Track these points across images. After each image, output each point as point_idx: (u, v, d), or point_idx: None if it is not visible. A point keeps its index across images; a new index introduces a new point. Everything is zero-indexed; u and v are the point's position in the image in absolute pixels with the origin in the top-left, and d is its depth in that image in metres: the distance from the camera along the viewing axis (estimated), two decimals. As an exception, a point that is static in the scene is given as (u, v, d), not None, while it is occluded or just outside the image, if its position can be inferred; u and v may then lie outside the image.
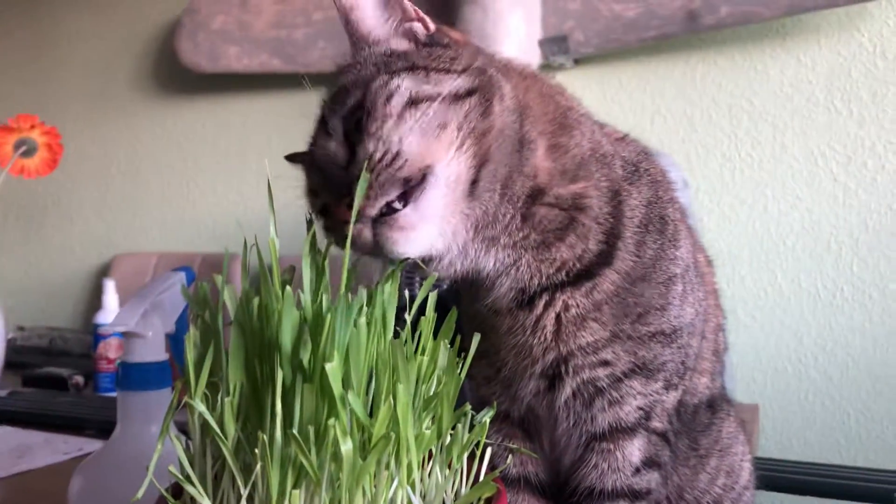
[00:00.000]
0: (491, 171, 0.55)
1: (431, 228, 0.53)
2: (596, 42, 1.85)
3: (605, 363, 0.60)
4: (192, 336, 0.46)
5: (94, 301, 2.38)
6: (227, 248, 0.55)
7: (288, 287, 0.44)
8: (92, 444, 1.11)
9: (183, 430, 0.50)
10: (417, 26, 0.61)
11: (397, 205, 0.51)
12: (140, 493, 0.42)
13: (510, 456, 0.64)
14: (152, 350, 0.70)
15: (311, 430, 0.41)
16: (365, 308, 0.45)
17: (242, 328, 0.45)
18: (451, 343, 0.51)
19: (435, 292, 0.53)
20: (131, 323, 0.69)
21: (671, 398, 0.63)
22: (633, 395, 0.61)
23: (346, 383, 0.43)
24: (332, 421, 0.41)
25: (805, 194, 1.73)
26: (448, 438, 0.49)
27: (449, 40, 0.60)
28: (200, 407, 0.43)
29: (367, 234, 0.52)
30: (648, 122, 1.83)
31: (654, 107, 1.83)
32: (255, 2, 2.25)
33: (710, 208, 1.79)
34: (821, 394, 1.70)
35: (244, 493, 0.42)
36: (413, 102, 0.53)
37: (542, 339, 0.59)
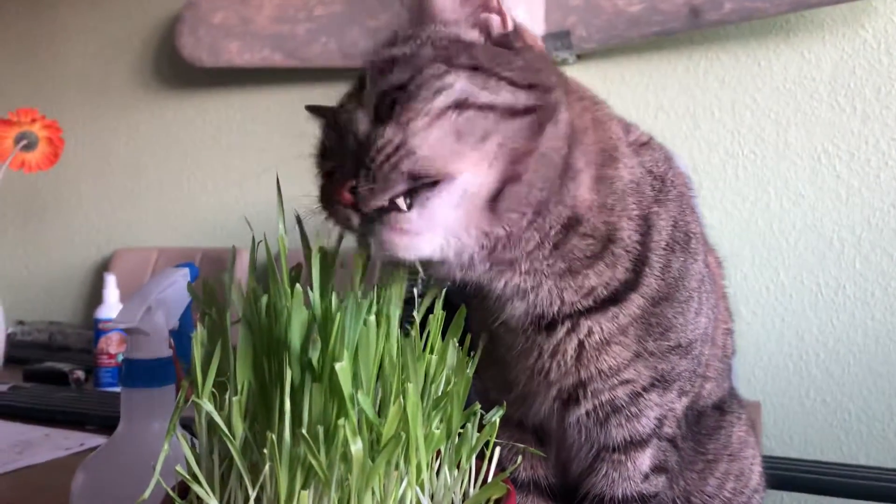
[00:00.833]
0: (520, 193, 0.50)
1: (436, 238, 0.49)
2: (598, 37, 1.84)
3: (626, 382, 0.58)
4: (199, 334, 0.45)
5: (95, 296, 2.38)
6: (234, 246, 0.54)
7: (297, 285, 0.43)
8: (93, 440, 1.11)
9: (186, 426, 0.49)
10: (495, 19, 0.55)
11: (401, 203, 0.47)
12: (147, 493, 0.42)
13: (520, 458, 0.63)
14: (156, 347, 0.69)
15: (321, 429, 0.41)
16: (374, 306, 0.45)
17: (250, 326, 0.45)
18: (461, 342, 0.51)
19: (443, 290, 0.53)
20: (135, 320, 0.69)
21: (682, 404, 0.63)
22: (650, 407, 0.60)
23: (355, 382, 0.42)
24: (341, 421, 0.40)
25: (808, 191, 1.72)
26: (457, 438, 0.49)
27: (523, 45, 0.55)
28: (208, 406, 0.43)
29: (355, 221, 0.49)
30: (651, 117, 1.82)
31: (656, 102, 1.82)
32: (256, -4, 2.24)
33: (712, 205, 1.79)
34: (822, 391, 1.70)
35: (252, 493, 0.42)
36: (460, 106, 0.48)
37: (562, 364, 0.57)
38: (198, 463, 0.44)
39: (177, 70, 2.45)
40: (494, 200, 0.50)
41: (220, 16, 2.27)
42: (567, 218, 0.54)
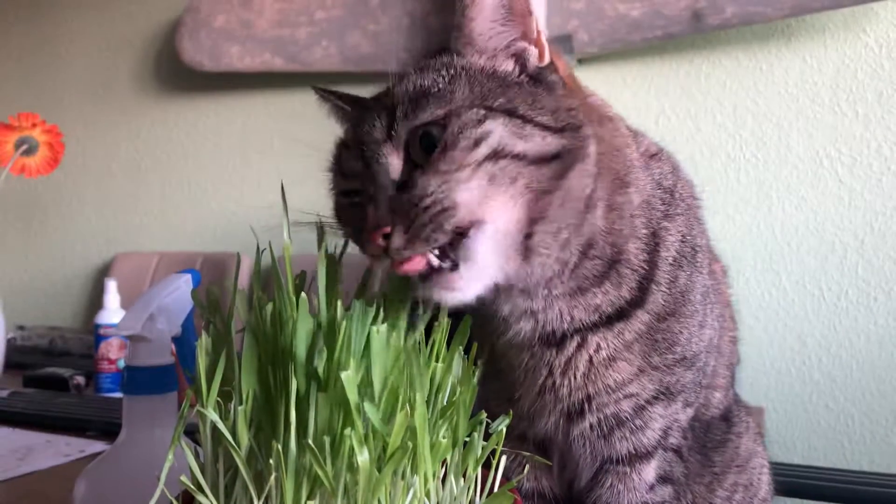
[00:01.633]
0: (548, 229, 0.51)
1: (480, 286, 0.50)
2: (600, 42, 1.84)
3: (631, 395, 0.58)
4: (203, 343, 0.45)
5: (95, 301, 2.37)
6: (238, 254, 0.54)
7: (303, 293, 0.43)
8: (94, 446, 1.11)
9: (189, 434, 0.49)
10: (532, 51, 0.54)
11: (443, 262, 0.48)
12: (152, 503, 0.41)
13: (525, 468, 0.63)
14: (158, 353, 0.69)
15: (327, 439, 0.40)
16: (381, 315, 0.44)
17: (255, 335, 0.44)
18: (466, 351, 0.50)
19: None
20: (137, 326, 0.68)
21: (687, 415, 0.63)
22: (655, 419, 0.60)
23: (361, 392, 0.42)
24: (347, 430, 0.40)
25: (810, 195, 1.72)
26: (463, 447, 0.48)
27: (557, 79, 0.55)
28: (213, 415, 0.42)
29: (386, 264, 0.48)
30: (653, 122, 1.82)
31: (658, 107, 1.82)
32: (256, 1, 2.24)
33: (714, 209, 1.78)
34: (825, 396, 1.70)
35: (257, 503, 0.42)
36: (496, 155, 0.48)
37: (573, 380, 0.57)
38: (202, 472, 0.44)
39: (177, 74, 2.45)
40: (526, 237, 0.51)
41: (220, 20, 2.27)
42: (582, 246, 0.55)
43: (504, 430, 0.50)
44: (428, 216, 0.47)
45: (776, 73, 1.75)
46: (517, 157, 0.49)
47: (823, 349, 1.70)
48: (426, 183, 0.48)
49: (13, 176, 1.80)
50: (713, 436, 0.69)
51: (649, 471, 0.61)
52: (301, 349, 0.42)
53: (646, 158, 0.61)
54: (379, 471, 0.40)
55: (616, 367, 0.57)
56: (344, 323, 0.42)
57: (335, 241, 0.48)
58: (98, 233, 2.58)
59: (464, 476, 0.48)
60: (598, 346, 0.56)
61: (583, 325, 0.56)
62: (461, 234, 0.48)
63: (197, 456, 0.45)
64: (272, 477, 0.40)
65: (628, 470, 0.61)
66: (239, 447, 0.42)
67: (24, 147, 1.74)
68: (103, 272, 2.44)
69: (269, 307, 0.44)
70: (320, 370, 0.41)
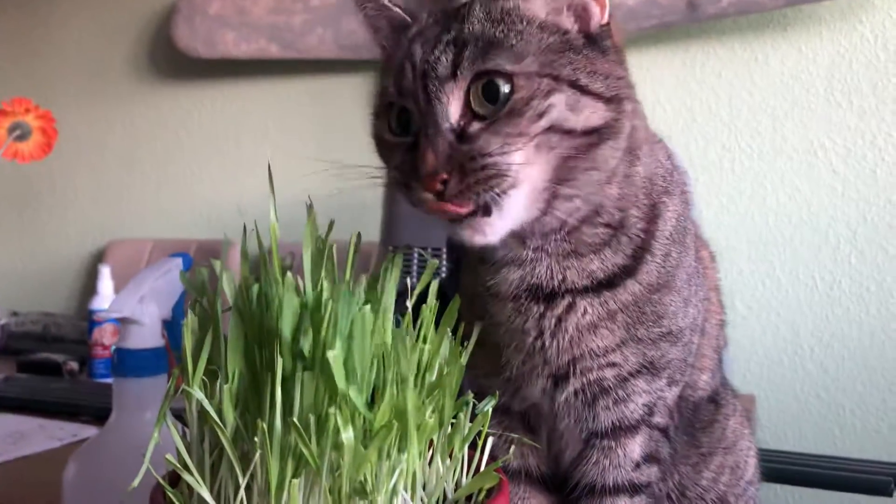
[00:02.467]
0: (567, 193, 0.53)
1: (503, 232, 0.53)
2: (596, 31, 1.83)
3: (613, 364, 0.59)
4: (189, 322, 0.45)
5: (89, 287, 2.37)
6: (226, 235, 0.54)
7: (288, 273, 0.43)
8: (87, 431, 1.11)
9: (178, 416, 0.49)
10: (595, 10, 0.54)
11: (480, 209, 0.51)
12: (136, 482, 0.42)
13: (511, 447, 0.63)
14: (148, 336, 0.69)
15: (312, 418, 0.40)
16: (365, 295, 0.44)
17: (241, 315, 0.44)
18: (454, 332, 0.50)
19: (436, 280, 0.52)
20: (127, 309, 0.68)
21: (672, 394, 0.63)
22: (638, 392, 0.60)
23: (347, 371, 0.42)
24: (332, 409, 0.40)
25: (804, 186, 1.72)
26: (450, 428, 0.48)
27: (610, 44, 0.55)
28: (199, 394, 0.43)
29: (429, 205, 0.51)
30: (648, 111, 1.80)
31: (653, 96, 1.82)
32: (252, -13, 2.23)
33: (708, 199, 1.79)
34: (816, 385, 1.71)
35: (242, 482, 0.42)
36: (551, 129, 0.51)
37: (562, 341, 0.58)
38: (188, 452, 0.44)
39: (172, 61, 2.44)
40: (550, 194, 0.53)
41: (216, 6, 2.26)
42: (589, 212, 0.56)
43: (490, 411, 0.50)
44: (485, 175, 0.49)
45: (772, 63, 1.75)
46: (567, 132, 0.51)
47: (816, 339, 1.71)
48: (488, 143, 0.50)
49: (6, 161, 1.79)
50: (701, 416, 0.69)
51: (634, 447, 0.62)
52: (287, 328, 0.42)
53: (652, 142, 0.62)
54: (365, 448, 0.40)
55: (598, 334, 0.58)
56: (330, 302, 0.42)
57: (323, 221, 0.48)
58: (92, 219, 2.58)
59: (450, 456, 0.48)
60: (585, 310, 0.57)
61: (574, 287, 0.57)
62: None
63: (184, 436, 0.45)
64: (257, 455, 0.41)
65: (613, 444, 0.61)
66: (224, 426, 0.42)
67: (17, 132, 1.74)
68: (97, 258, 2.44)
69: (256, 287, 0.44)
70: (306, 350, 0.42)
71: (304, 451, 0.40)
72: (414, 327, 0.49)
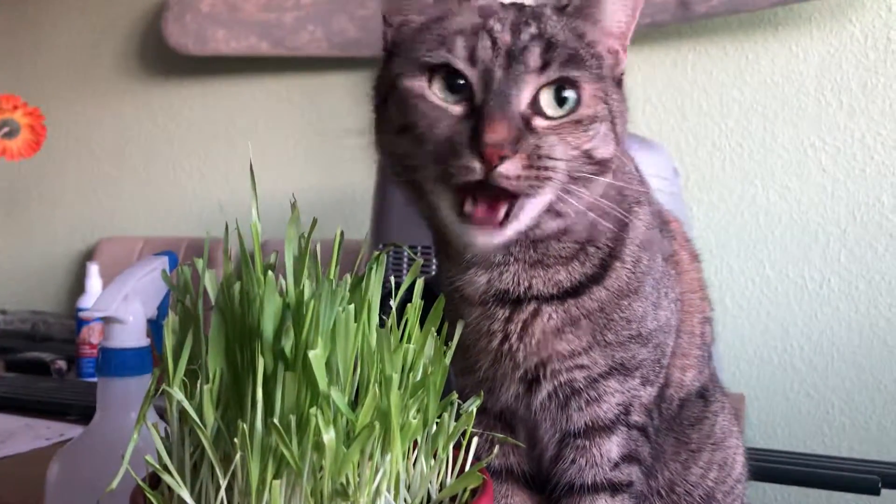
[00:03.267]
0: (561, 210, 0.55)
1: (508, 238, 0.54)
2: (587, 29, 1.83)
3: (582, 367, 0.60)
4: (171, 322, 0.45)
5: (78, 285, 2.35)
6: (208, 233, 0.53)
7: (270, 272, 0.42)
8: (74, 430, 1.10)
9: (163, 416, 0.49)
10: (623, 57, 0.60)
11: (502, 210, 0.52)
12: (115, 483, 0.41)
13: (495, 447, 0.63)
14: (133, 335, 0.69)
15: (293, 418, 0.40)
16: (349, 294, 0.44)
17: (223, 314, 0.44)
18: (438, 331, 0.50)
19: (422, 279, 0.52)
20: (111, 308, 0.68)
21: (648, 393, 0.63)
22: (610, 392, 0.61)
23: (329, 371, 0.41)
24: (313, 409, 0.40)
25: (794, 185, 1.72)
26: (434, 428, 0.48)
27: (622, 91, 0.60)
28: (178, 395, 0.42)
29: (476, 175, 0.49)
30: (639, 110, 1.82)
31: (644, 95, 1.82)
32: (243, -16, 2.22)
33: (698, 198, 1.79)
34: (806, 384, 1.71)
35: (223, 483, 0.41)
36: (587, 152, 0.53)
37: (529, 345, 0.59)
38: (168, 453, 0.43)
39: (163, 58, 2.42)
40: (545, 209, 0.54)
41: (206, 3, 2.24)
42: (558, 229, 0.57)
43: (474, 411, 0.50)
44: (543, 174, 0.50)
45: (762, 62, 1.75)
46: (592, 159, 0.53)
47: (805, 337, 1.71)
48: (553, 142, 0.51)
49: (-6, 159, 1.78)
50: (689, 412, 0.69)
51: (611, 447, 0.62)
52: (268, 328, 0.41)
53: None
54: (347, 448, 0.40)
55: (564, 338, 0.59)
56: (312, 302, 0.41)
57: (305, 219, 0.48)
58: (81, 217, 2.56)
59: (434, 456, 0.48)
60: (550, 316, 0.58)
61: (540, 294, 0.58)
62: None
63: (165, 436, 0.45)
64: (238, 457, 0.40)
65: (587, 444, 0.62)
66: (205, 427, 0.42)
67: (6, 130, 1.73)
68: (86, 257, 2.43)
69: (237, 286, 0.44)
70: (287, 350, 0.41)
71: (285, 452, 0.39)
72: (399, 326, 0.48)
